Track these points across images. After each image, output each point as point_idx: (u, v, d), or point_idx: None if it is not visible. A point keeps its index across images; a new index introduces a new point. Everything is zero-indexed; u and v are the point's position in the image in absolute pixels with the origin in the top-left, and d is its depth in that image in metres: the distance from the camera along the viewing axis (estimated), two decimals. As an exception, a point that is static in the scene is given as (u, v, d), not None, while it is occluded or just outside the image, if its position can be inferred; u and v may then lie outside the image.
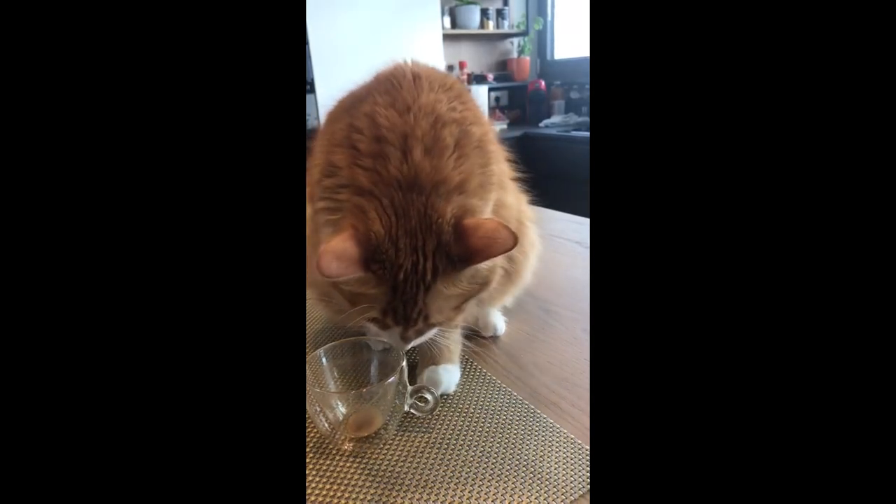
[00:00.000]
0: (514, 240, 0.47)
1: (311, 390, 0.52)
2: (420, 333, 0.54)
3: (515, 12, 3.79)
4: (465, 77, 3.54)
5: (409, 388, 0.56)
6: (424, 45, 2.40)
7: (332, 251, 0.45)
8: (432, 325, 0.53)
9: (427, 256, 0.48)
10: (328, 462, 0.53)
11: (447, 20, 3.36)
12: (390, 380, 0.53)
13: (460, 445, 0.54)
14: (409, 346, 0.55)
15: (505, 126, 3.63)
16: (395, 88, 0.55)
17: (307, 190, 0.59)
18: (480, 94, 3.33)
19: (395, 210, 0.48)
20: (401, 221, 0.48)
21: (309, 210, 0.59)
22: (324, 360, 0.57)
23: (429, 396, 0.56)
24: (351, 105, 0.57)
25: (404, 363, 0.54)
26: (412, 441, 0.55)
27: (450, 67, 3.46)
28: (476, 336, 0.76)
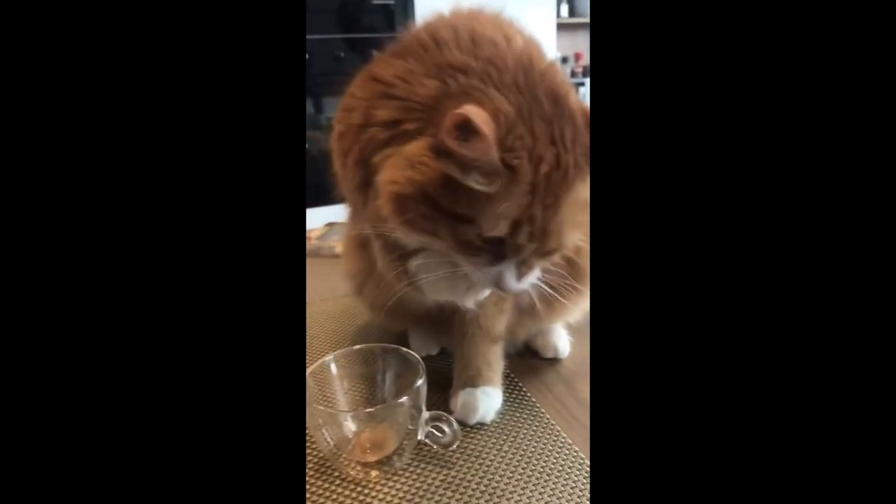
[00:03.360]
0: None
1: (314, 406, 0.44)
2: (532, 267, 0.42)
3: None
4: (580, 69, 3.32)
5: (426, 413, 0.46)
6: (533, 34, 2.27)
7: (476, 112, 0.35)
8: (560, 250, 0.42)
9: (567, 149, 0.38)
10: (327, 486, 0.46)
11: (565, 8, 3.17)
12: (401, 400, 0.44)
13: (483, 491, 0.44)
14: (520, 289, 0.43)
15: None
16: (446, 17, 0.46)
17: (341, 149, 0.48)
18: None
19: (520, 90, 0.38)
20: (532, 104, 0.38)
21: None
22: (333, 368, 0.50)
23: (447, 429, 0.46)
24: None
25: (421, 381, 0.45)
26: (426, 476, 0.46)
27: (563, 59, 3.27)
28: (533, 356, 0.64)
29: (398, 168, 0.39)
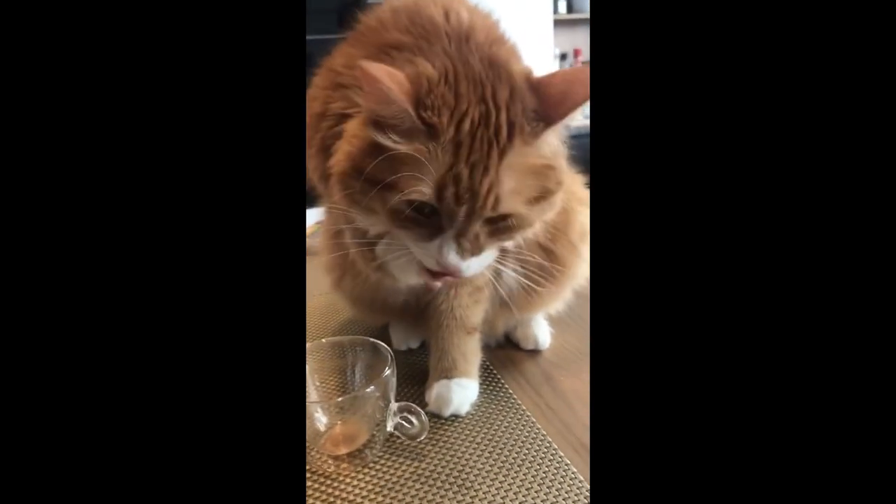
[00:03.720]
0: None
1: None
2: (479, 243, 0.40)
3: (643, -7, 3.45)
4: (579, 65, 3.30)
5: (394, 404, 0.46)
6: (529, 31, 2.25)
7: (384, 69, 0.36)
8: (504, 225, 0.40)
9: (500, 107, 0.37)
10: (297, 479, 0.45)
11: (563, 4, 3.15)
12: (368, 390, 0.44)
13: (452, 481, 0.43)
14: (467, 269, 0.40)
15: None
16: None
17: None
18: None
19: (449, 57, 0.39)
20: (459, 68, 0.38)
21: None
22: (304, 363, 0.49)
23: (414, 420, 0.45)
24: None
25: (389, 371, 0.44)
26: (397, 468, 0.45)
27: (563, 56, 3.25)
28: (513, 347, 0.63)
29: (342, 146, 0.39)
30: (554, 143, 0.40)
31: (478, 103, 0.37)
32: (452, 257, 0.39)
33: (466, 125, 0.36)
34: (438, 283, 0.46)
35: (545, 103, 0.38)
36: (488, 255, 0.42)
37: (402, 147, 0.36)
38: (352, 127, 0.39)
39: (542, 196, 0.40)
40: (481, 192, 0.37)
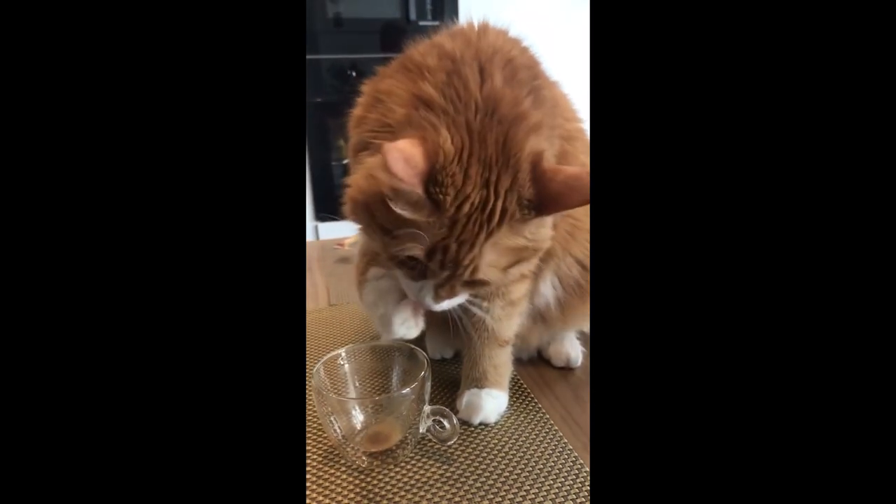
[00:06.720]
0: None
1: (325, 394, 0.47)
2: (454, 292, 0.46)
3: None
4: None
5: (428, 407, 0.48)
6: (568, 55, 2.27)
7: (401, 150, 0.39)
8: (478, 283, 0.45)
9: (499, 195, 0.41)
10: (333, 472, 0.48)
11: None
12: (405, 391, 0.46)
13: (479, 486, 0.45)
14: (438, 308, 0.47)
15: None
16: (454, 33, 0.49)
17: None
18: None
19: (469, 132, 0.41)
20: (475, 146, 0.41)
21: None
22: (344, 362, 0.52)
23: (446, 423, 0.47)
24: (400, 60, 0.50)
25: (424, 373, 0.47)
26: (427, 469, 0.48)
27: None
28: (545, 364, 0.65)
29: (360, 174, 0.43)
30: (544, 224, 0.44)
31: (481, 188, 0.40)
32: (428, 300, 0.46)
33: (466, 207, 0.40)
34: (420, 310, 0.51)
35: (542, 197, 0.41)
36: (462, 297, 0.48)
37: (408, 214, 0.41)
38: (372, 164, 0.42)
39: (516, 262, 0.45)
40: (463, 263, 0.42)
